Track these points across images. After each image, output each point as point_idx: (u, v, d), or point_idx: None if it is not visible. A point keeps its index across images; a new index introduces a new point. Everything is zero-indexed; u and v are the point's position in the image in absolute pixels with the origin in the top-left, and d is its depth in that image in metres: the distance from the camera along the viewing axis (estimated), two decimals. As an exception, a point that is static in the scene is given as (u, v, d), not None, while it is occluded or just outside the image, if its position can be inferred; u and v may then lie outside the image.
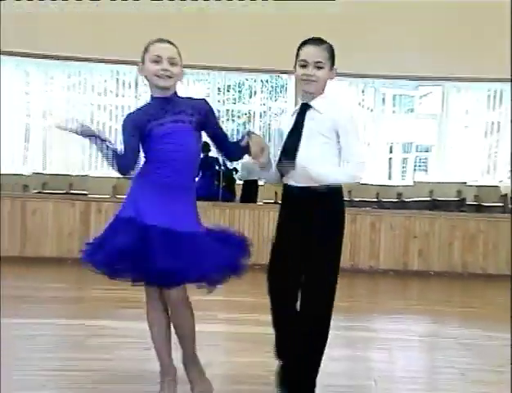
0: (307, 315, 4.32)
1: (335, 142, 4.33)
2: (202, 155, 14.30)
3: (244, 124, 17.51)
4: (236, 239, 4.58)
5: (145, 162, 4.46)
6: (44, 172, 15.47)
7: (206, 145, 12.90)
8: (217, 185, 14.44)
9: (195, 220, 4.45)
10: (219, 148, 4.74)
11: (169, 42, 4.47)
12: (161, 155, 4.38)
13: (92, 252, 4.41)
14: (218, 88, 16.43)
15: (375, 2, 11.00)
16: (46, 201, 11.63)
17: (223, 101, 16.74)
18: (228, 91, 16.82)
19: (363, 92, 16.04)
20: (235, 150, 4.62)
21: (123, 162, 4.31)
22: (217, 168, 14.36)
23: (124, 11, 10.71)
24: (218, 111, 16.48)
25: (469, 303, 9.34)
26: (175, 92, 4.51)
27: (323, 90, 4.42)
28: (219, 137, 4.64)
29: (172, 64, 4.38)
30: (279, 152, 4.41)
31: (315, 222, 4.28)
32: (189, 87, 16.58)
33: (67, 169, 15.61)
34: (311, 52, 4.31)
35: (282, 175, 4.35)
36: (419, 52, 10.88)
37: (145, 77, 4.46)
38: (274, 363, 4.66)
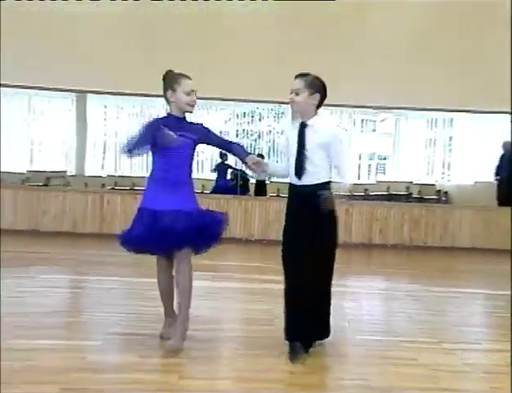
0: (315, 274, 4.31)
1: (328, 153, 4.32)
2: (219, 162, 14.48)
3: (255, 140, 17.50)
4: (218, 215, 4.53)
5: (154, 162, 4.50)
6: (115, 174, 15.52)
7: (223, 155, 12.79)
8: (235, 184, 14.48)
9: (192, 203, 4.40)
10: (227, 151, 4.80)
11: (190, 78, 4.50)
12: (167, 158, 4.38)
13: (123, 239, 4.55)
14: (237, 114, 16.45)
15: (345, 56, 10.84)
16: (116, 194, 11.63)
17: (240, 124, 16.75)
18: (244, 116, 16.80)
19: (341, 116, 16.13)
20: (239, 152, 4.60)
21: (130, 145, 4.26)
22: (234, 171, 14.43)
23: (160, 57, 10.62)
24: (237, 130, 16.52)
25: (413, 266, 9.33)
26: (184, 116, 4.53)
27: (315, 112, 4.37)
28: (223, 145, 4.66)
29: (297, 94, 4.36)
30: (291, 161, 4.36)
31: (318, 207, 4.24)
32: (216, 113, 16.62)
33: (131, 171, 15.67)
34: (293, 83, 4.36)
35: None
36: (379, 90, 10.80)
37: (173, 101, 4.44)
38: (277, 310, 4.66)
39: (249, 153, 4.61)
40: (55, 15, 10.58)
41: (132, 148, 4.25)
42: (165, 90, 4.48)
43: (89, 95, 14.57)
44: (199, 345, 4.43)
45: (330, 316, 4.53)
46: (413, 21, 10.93)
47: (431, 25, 10.92)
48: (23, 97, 15.81)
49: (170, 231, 4.21)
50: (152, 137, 4.26)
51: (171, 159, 4.36)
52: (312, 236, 4.22)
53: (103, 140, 16.58)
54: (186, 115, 4.53)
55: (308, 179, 4.31)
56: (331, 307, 4.52)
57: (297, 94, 4.30)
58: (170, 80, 4.46)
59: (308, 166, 4.29)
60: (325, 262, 4.37)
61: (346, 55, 10.87)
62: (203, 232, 4.35)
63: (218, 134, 4.76)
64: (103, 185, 14.12)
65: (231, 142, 4.70)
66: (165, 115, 4.57)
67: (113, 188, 14.01)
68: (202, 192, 13.78)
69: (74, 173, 15.57)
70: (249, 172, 11.33)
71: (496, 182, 13.15)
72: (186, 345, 4.33)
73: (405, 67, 10.83)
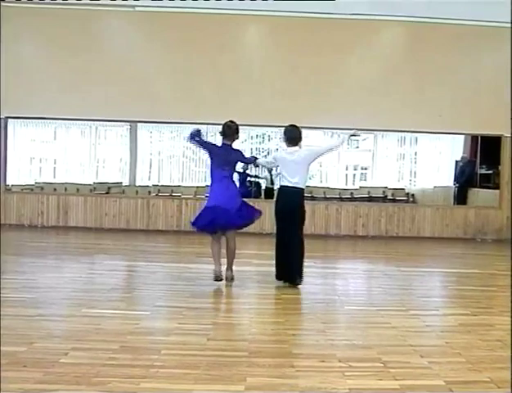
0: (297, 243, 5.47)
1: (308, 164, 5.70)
2: (241, 172, 14.49)
3: (265, 156, 17.47)
4: (255, 209, 5.75)
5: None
6: (158, 184, 15.54)
7: (244, 168, 12.76)
8: (250, 189, 14.53)
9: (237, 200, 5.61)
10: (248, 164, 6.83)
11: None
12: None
13: (195, 221, 5.53)
14: (251, 136, 16.45)
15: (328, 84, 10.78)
16: (159, 199, 11.64)
17: (253, 143, 16.74)
18: (256, 137, 16.78)
19: (331, 136, 16.06)
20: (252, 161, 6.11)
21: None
22: (251, 180, 14.47)
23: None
24: (251, 149, 16.49)
25: (388, 252, 9.28)
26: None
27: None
28: (245, 161, 6.13)
29: None
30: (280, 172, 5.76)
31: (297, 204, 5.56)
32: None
33: (170, 181, 15.70)
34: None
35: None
36: (361, 115, 10.74)
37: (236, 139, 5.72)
38: (284, 289, 4.65)
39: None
40: (109, 64, 10.66)
41: (194, 137, 5.49)
42: (238, 133, 5.69)
43: (139, 124, 14.65)
44: (224, 314, 4.46)
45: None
46: (383, 63, 10.88)
47: (396, 64, 10.84)
48: (91, 127, 15.95)
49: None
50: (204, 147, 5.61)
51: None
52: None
53: (149, 158, 16.66)
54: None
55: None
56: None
57: None
58: (238, 130, 5.70)
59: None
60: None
61: (336, 89, 10.83)
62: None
63: (245, 155, 5.94)
64: (149, 192, 14.14)
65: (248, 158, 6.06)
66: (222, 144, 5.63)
67: (157, 195, 14.01)
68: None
69: (127, 184, 15.63)
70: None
71: (455, 186, 13.08)
72: (212, 314, 4.37)
73: (381, 98, 10.79)
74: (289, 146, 5.68)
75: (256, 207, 5.89)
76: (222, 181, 5.50)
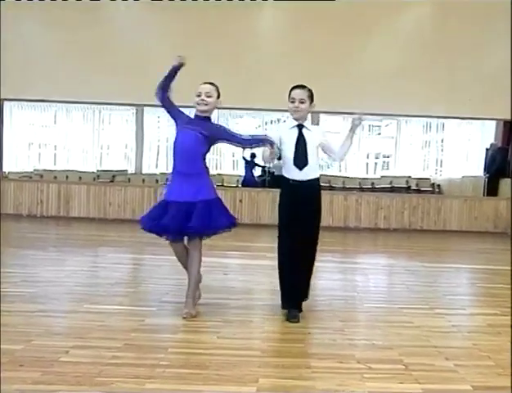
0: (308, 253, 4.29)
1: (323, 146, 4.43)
2: (249, 160, 14.46)
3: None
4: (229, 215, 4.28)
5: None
6: (166, 172, 15.60)
7: (253, 155, 12.44)
8: (264, 178, 14.57)
9: (206, 193, 4.13)
10: (237, 145, 4.44)
11: (210, 83, 4.35)
12: (174, 150, 4.21)
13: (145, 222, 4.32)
14: (265, 122, 16.41)
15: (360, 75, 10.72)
16: (167, 188, 11.70)
17: (267, 129, 16.71)
18: (271, 123, 16.75)
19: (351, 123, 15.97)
20: (247, 142, 4.36)
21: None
22: (263, 168, 14.51)
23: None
24: (265, 135, 16.38)
25: (411, 246, 9.25)
26: (209, 117, 4.30)
27: (306, 118, 4.39)
28: (233, 140, 4.27)
29: (208, 97, 4.24)
30: (291, 155, 4.26)
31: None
32: (248, 120, 16.59)
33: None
34: (297, 93, 4.29)
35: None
36: (384, 99, 10.68)
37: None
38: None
39: (261, 140, 4.28)
40: (118, 46, 10.68)
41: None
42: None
43: (146, 108, 14.68)
44: (234, 311, 4.45)
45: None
46: (405, 48, 10.81)
47: (422, 46, 10.76)
48: (94, 110, 16.02)
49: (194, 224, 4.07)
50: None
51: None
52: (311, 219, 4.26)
53: (157, 145, 16.72)
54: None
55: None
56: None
57: (302, 103, 4.26)
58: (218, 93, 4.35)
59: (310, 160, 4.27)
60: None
61: (357, 73, 10.76)
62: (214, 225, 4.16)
63: (231, 132, 4.34)
64: (157, 181, 14.21)
65: (241, 136, 4.31)
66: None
67: (164, 183, 14.08)
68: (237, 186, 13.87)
69: (133, 172, 15.72)
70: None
71: (484, 176, 12.94)
72: (222, 310, 4.38)
73: (405, 82, 10.70)
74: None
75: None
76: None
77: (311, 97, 4.32)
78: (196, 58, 11.01)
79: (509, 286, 5.54)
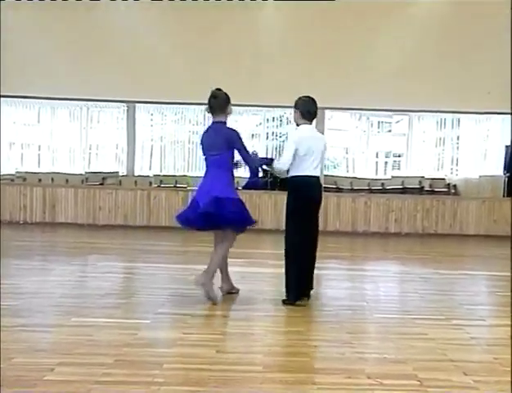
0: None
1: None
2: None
3: (283, 141, 17.47)
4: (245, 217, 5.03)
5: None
6: (160, 173, 15.60)
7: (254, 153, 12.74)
8: (266, 180, 14.57)
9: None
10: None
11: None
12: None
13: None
14: (267, 119, 16.40)
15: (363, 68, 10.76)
16: (161, 191, 11.72)
17: (270, 127, 16.68)
18: (273, 120, 16.73)
19: (359, 119, 16.00)
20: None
21: None
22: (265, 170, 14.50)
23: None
24: (267, 133, 16.46)
25: (425, 252, 9.24)
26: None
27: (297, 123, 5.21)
28: (243, 155, 5.05)
29: None
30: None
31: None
32: (248, 118, 16.60)
33: (175, 171, 15.76)
34: None
35: None
36: (394, 94, 10.71)
37: (228, 111, 5.03)
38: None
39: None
40: (108, 39, 10.70)
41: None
42: (227, 104, 4.96)
43: (137, 104, 14.70)
44: (234, 323, 4.45)
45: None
46: (420, 39, 10.84)
47: (436, 41, 10.80)
48: (82, 108, 16.02)
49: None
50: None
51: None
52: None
53: (150, 144, 16.70)
54: None
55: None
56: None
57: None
58: (228, 97, 4.96)
59: None
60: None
61: (365, 66, 10.79)
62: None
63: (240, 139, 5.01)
64: (150, 183, 14.22)
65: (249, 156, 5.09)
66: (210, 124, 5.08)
67: (158, 186, 14.09)
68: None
69: (125, 173, 15.72)
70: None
71: (504, 175, 12.92)
72: (221, 322, 4.37)
73: (417, 75, 10.72)
74: (305, 123, 5.16)
75: (251, 216, 5.15)
76: (206, 170, 5.08)
77: (295, 106, 5.17)
78: (196, 58, 11.14)
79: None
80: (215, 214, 4.74)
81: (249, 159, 5.06)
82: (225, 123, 5.01)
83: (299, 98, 5.15)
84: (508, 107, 11.26)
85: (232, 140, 4.91)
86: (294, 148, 4.96)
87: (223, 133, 4.93)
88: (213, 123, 5.00)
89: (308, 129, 5.13)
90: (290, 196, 5.08)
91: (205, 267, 4.89)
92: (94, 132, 16.52)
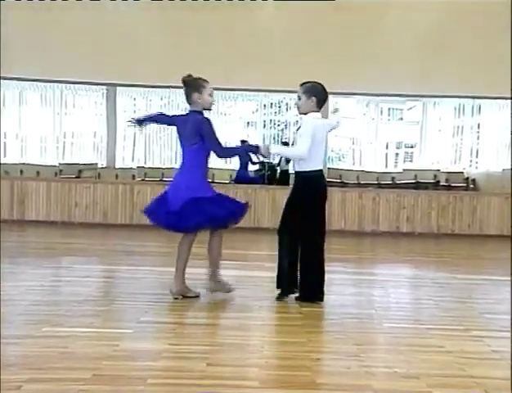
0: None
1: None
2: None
3: (282, 130, 17.49)
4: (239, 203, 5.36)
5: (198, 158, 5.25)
6: (145, 166, 15.62)
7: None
8: (262, 173, 14.61)
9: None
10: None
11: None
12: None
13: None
14: (264, 105, 16.40)
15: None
16: (146, 185, 11.73)
17: (267, 114, 16.69)
18: (271, 107, 16.75)
19: (367, 106, 16.01)
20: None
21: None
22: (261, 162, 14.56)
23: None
24: (264, 121, 16.47)
25: (441, 254, 9.27)
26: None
27: (307, 111, 5.23)
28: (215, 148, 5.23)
29: None
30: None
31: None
32: (243, 103, 16.61)
33: (161, 163, 15.79)
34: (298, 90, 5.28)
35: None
36: (406, 77, 10.72)
37: (200, 102, 5.04)
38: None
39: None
40: (83, 13, 10.67)
41: (143, 120, 5.46)
42: (191, 92, 5.00)
43: (119, 88, 14.66)
44: (227, 332, 4.46)
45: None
46: (437, 13, 10.85)
47: (455, 17, 10.80)
48: (55, 91, 15.97)
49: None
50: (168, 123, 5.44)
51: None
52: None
53: (133, 132, 16.66)
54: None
55: None
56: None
57: (299, 98, 5.23)
58: (196, 84, 4.98)
59: None
60: None
61: (374, 47, 10.81)
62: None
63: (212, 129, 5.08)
64: (133, 176, 14.22)
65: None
66: (187, 112, 5.16)
67: (143, 180, 14.10)
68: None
69: (104, 165, 15.71)
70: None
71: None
72: (213, 332, 4.39)
73: (432, 57, 10.74)
74: (316, 112, 5.26)
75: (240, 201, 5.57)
76: (181, 163, 5.44)
77: (308, 92, 5.13)
78: (186, 37, 11.13)
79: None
80: (190, 216, 5.10)
81: (217, 148, 5.13)
82: (200, 112, 5.13)
83: (313, 85, 5.19)
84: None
85: (200, 127, 5.01)
86: (312, 134, 5.09)
87: (191, 121, 5.09)
88: (189, 111, 5.20)
89: (321, 119, 5.33)
90: (307, 194, 5.20)
91: (205, 269, 4.95)
92: (69, 118, 16.49)
